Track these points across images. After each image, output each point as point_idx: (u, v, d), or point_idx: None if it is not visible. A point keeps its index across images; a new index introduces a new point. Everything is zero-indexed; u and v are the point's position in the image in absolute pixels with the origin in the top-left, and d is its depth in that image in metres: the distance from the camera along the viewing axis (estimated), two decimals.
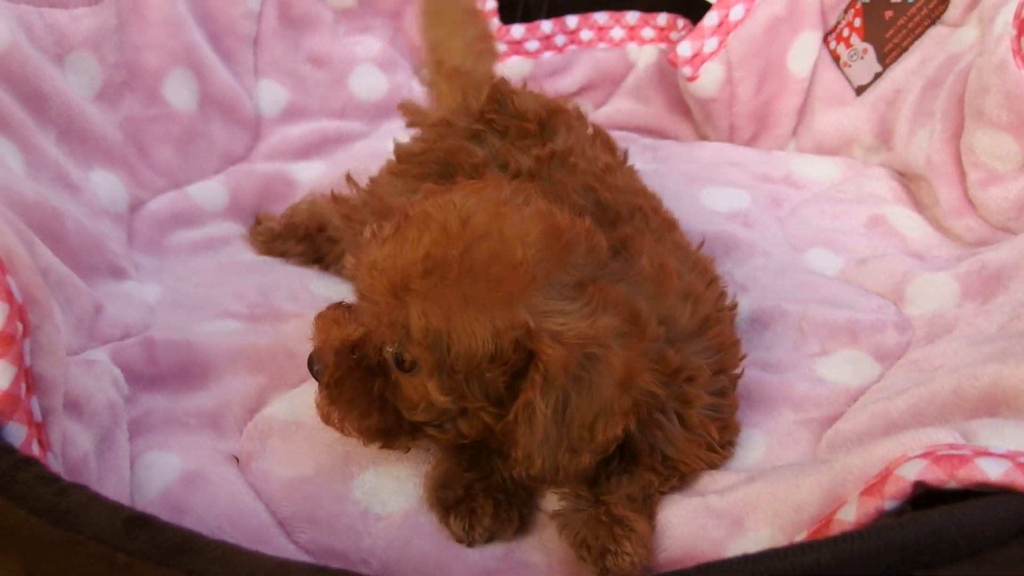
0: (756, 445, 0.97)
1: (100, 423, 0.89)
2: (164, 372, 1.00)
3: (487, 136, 1.10)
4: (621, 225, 0.99)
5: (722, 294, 1.00)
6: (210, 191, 1.36)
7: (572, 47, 1.65)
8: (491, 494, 0.87)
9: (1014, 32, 1.14)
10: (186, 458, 0.91)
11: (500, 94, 1.12)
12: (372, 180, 1.17)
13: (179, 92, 1.34)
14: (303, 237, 1.26)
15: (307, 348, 1.02)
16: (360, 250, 0.83)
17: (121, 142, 1.27)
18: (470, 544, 0.86)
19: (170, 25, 1.30)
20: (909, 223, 1.26)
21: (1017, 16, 1.14)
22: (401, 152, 1.14)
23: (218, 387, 0.99)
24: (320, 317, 0.88)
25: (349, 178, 1.19)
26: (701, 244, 1.06)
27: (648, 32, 1.64)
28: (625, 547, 0.81)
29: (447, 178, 1.08)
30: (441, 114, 1.13)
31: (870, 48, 1.43)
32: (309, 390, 0.97)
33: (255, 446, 0.93)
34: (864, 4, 1.43)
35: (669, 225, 1.06)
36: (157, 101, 1.32)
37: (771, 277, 1.18)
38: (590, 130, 1.14)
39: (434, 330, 0.77)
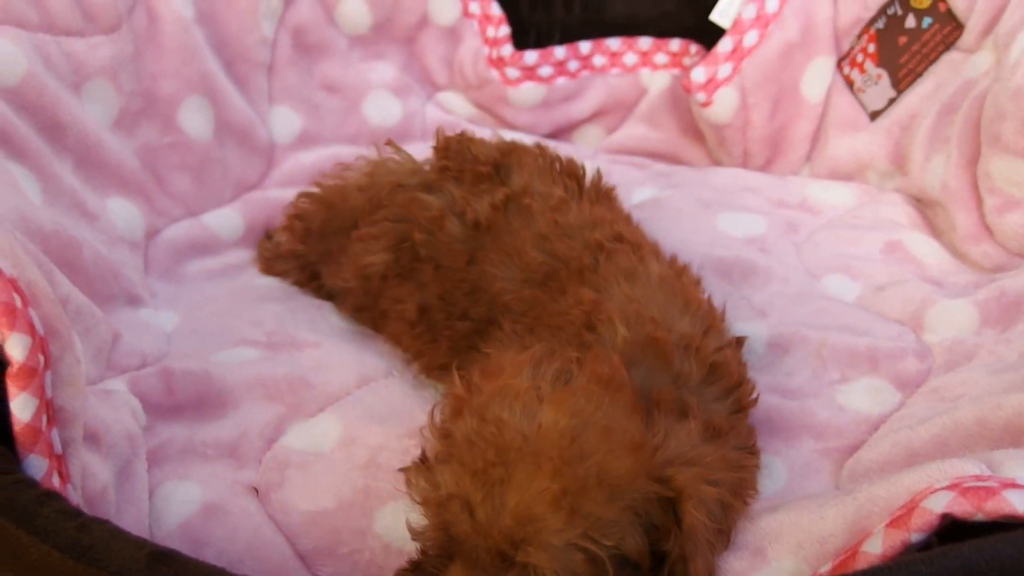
0: (777, 473, 0.96)
1: (119, 454, 0.89)
2: (182, 402, 1.00)
3: (444, 185, 1.08)
4: (586, 275, 0.96)
5: (720, 331, 0.97)
6: (226, 219, 1.37)
7: (585, 73, 1.65)
8: None
9: None
10: (205, 489, 0.91)
11: (455, 143, 1.12)
12: None
13: (195, 119, 1.34)
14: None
15: (324, 377, 1.02)
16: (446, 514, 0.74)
17: (138, 170, 1.27)
18: None
19: (185, 52, 1.31)
20: (926, 248, 1.25)
21: None
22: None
23: (236, 416, 0.99)
24: None
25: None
26: (684, 268, 1.04)
27: (661, 58, 1.64)
28: None
29: (407, 224, 1.06)
30: (392, 179, 1.12)
31: (884, 73, 1.43)
32: (327, 419, 0.98)
33: (274, 476, 0.92)
34: (878, 30, 1.43)
35: (640, 252, 1.01)
36: (173, 128, 1.32)
37: (789, 303, 1.17)
38: (551, 162, 1.12)
39: (600, 554, 0.71)
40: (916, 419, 0.92)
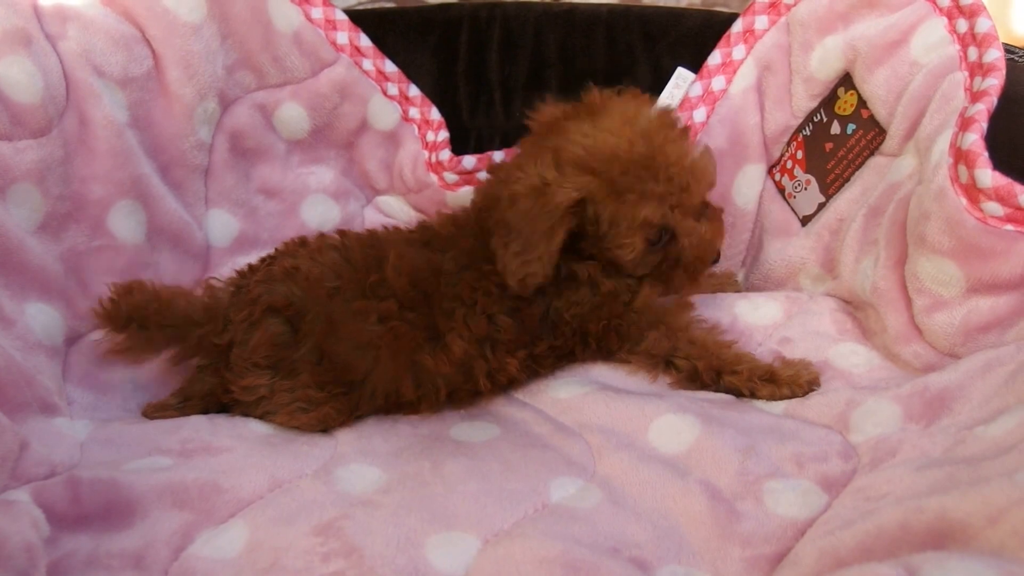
0: None
1: (15, 567, 0.84)
2: (88, 512, 0.95)
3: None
4: None
5: None
6: None
7: None
8: None
9: (951, 160, 1.16)
10: None
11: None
12: None
13: (125, 223, 1.33)
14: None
15: (235, 482, 1.00)
16: None
17: (61, 274, 1.25)
18: None
19: (117, 156, 1.30)
20: (854, 359, 1.25)
21: (953, 145, 1.17)
22: None
23: (143, 526, 0.95)
24: None
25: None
26: None
27: None
28: None
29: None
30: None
31: (812, 179, 1.45)
32: (236, 525, 0.95)
33: None
34: (805, 136, 1.46)
35: None
36: (102, 232, 1.30)
37: (718, 410, 1.16)
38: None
39: None
40: (841, 522, 0.90)
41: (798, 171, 1.47)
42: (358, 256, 1.20)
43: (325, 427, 1.17)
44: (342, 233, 1.28)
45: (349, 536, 0.92)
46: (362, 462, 1.07)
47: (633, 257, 1.18)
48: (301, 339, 1.15)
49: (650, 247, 1.19)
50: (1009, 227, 1.09)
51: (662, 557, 0.94)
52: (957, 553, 0.74)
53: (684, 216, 1.19)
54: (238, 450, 1.06)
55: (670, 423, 1.13)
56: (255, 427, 1.14)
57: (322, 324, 1.15)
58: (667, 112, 1.22)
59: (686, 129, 1.22)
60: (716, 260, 1.27)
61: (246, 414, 1.18)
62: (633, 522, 0.98)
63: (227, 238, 1.50)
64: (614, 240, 1.17)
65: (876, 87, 1.35)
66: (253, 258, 1.45)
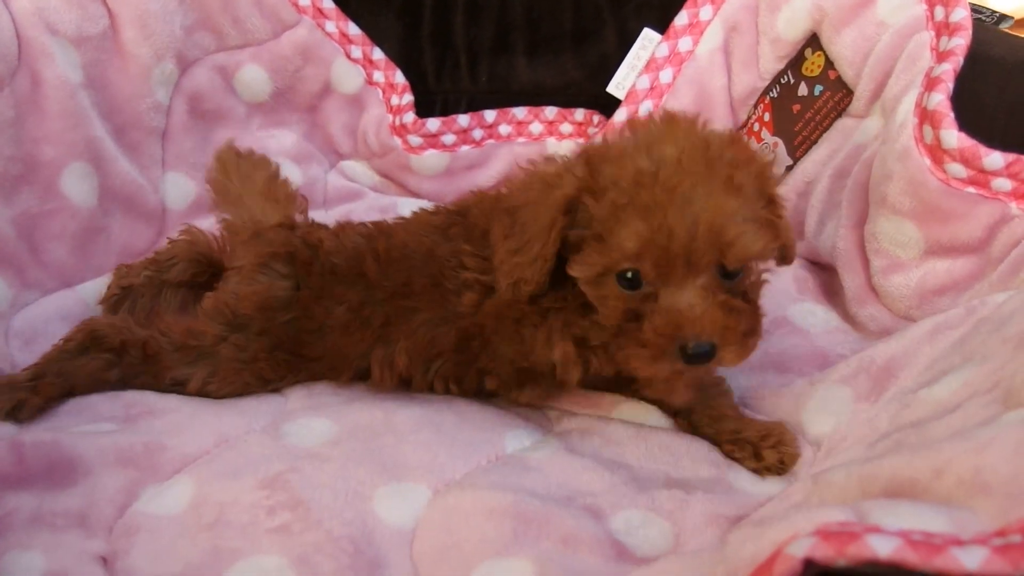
0: (664, 540, 0.92)
1: None
2: (31, 472, 0.93)
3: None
4: None
5: None
6: (102, 288, 1.30)
7: (490, 141, 1.65)
8: None
9: (916, 120, 1.15)
10: (50, 559, 0.85)
11: None
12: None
13: (78, 186, 1.30)
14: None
15: (180, 439, 0.97)
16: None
17: (12, 239, 1.22)
18: None
19: (69, 117, 1.27)
20: (811, 319, 1.24)
21: (918, 105, 1.16)
22: None
23: (87, 484, 0.93)
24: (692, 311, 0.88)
25: None
26: None
27: (567, 127, 1.65)
28: None
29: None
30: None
31: (780, 142, 1.44)
32: (181, 481, 0.93)
33: (122, 544, 0.87)
34: (772, 98, 1.45)
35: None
36: (54, 195, 1.27)
37: None
38: None
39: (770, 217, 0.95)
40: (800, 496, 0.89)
41: (765, 134, 1.46)
42: (380, 245, 1.10)
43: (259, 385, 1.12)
44: (376, 224, 1.16)
45: (295, 489, 0.90)
46: (312, 415, 1.05)
47: (596, 294, 0.95)
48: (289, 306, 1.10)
49: (623, 290, 0.92)
50: (971, 190, 1.09)
51: (617, 504, 0.93)
52: (907, 500, 0.73)
53: (670, 274, 0.89)
54: (184, 410, 1.03)
55: (638, 408, 1.11)
56: None
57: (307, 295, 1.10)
58: (731, 144, 0.93)
59: (737, 181, 0.89)
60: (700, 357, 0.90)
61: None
62: (589, 470, 0.97)
63: (184, 201, 1.47)
64: (589, 262, 0.93)
65: (843, 48, 1.34)
66: (210, 222, 1.44)
